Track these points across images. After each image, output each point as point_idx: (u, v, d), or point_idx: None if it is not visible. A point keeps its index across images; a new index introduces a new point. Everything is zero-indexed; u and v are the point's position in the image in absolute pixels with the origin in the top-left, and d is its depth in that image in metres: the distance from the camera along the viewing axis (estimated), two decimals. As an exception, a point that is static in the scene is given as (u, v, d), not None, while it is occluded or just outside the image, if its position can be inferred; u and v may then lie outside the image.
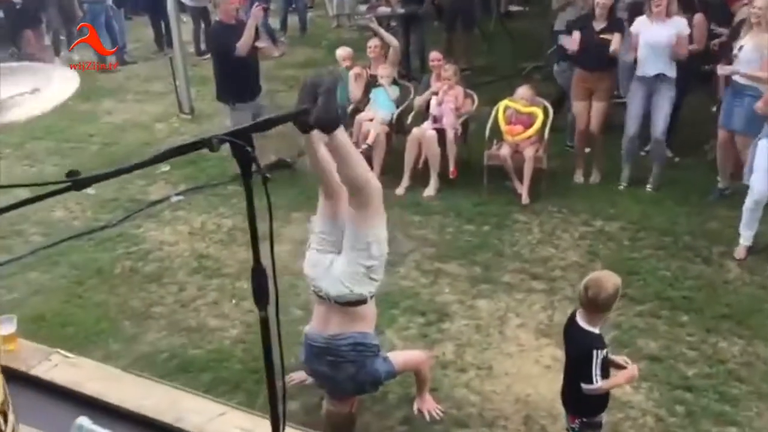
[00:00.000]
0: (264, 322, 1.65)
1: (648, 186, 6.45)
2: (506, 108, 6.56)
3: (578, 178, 6.81)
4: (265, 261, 1.70)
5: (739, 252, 5.40)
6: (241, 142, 1.42)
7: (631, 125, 6.38)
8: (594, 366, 3.15)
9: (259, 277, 1.60)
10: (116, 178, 1.56)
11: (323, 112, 3.05)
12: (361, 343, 3.66)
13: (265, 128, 1.61)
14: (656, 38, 6.03)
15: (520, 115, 6.51)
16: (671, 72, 6.12)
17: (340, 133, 3.34)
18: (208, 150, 1.42)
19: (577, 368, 3.25)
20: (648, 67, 6.15)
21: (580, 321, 3.26)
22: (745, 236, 5.40)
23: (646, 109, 6.28)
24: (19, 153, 7.94)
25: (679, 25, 6.05)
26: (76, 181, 1.28)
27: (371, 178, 3.54)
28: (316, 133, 3.30)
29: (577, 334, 3.27)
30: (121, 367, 4.38)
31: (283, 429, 1.68)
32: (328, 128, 3.16)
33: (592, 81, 6.56)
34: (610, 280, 3.22)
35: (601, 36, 6.39)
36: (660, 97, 6.18)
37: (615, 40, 6.32)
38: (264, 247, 1.65)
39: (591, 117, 6.62)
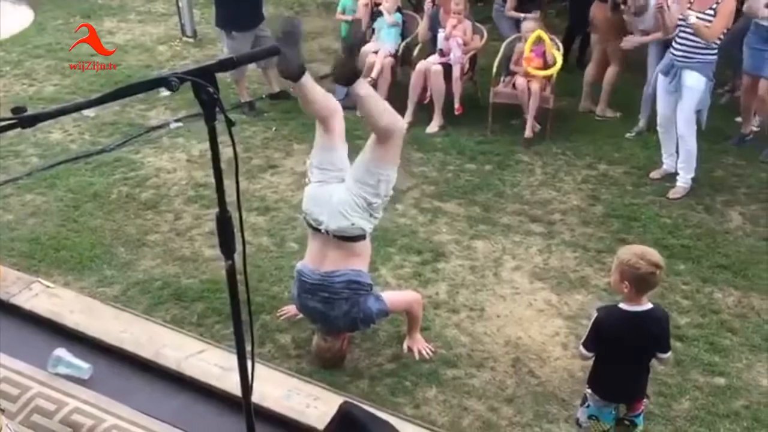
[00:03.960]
0: (230, 272, 1.58)
1: None
2: (538, 38, 6.35)
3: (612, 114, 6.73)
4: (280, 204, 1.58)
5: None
6: (203, 81, 1.33)
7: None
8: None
9: (224, 224, 1.51)
10: (109, 103, 1.46)
11: (339, 65, 3.30)
12: (355, 281, 3.67)
13: (236, 66, 1.51)
14: None
15: (538, 45, 6.33)
16: None
17: (361, 86, 3.40)
18: (167, 89, 1.33)
19: (656, 347, 3.03)
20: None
21: (634, 308, 2.95)
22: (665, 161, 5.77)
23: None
24: (18, 71, 7.80)
25: None
26: (23, 119, 1.20)
27: (398, 123, 3.65)
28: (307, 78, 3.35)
29: (644, 319, 2.95)
30: (116, 293, 4.44)
31: (253, 371, 1.64)
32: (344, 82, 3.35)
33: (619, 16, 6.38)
34: (654, 253, 2.94)
35: None
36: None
37: None
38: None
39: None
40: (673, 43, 5.33)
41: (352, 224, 3.56)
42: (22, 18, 9.36)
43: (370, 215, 3.61)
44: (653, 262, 2.85)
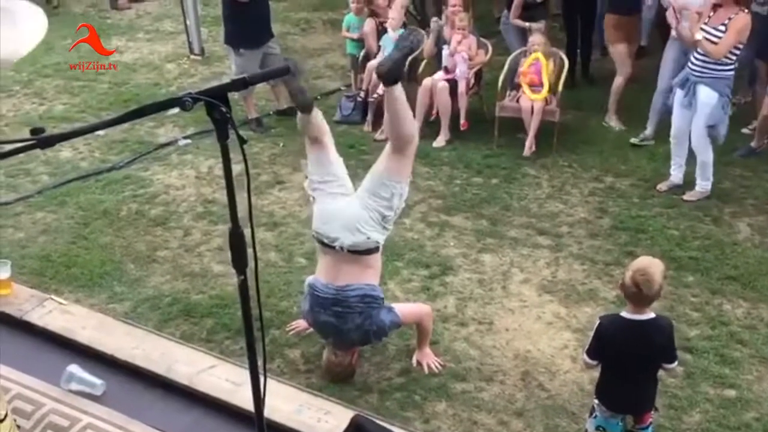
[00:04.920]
0: (243, 287, 1.59)
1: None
2: (536, 59, 6.39)
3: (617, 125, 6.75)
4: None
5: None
6: (216, 101, 1.35)
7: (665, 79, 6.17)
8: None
9: (236, 240, 1.53)
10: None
11: (391, 62, 3.47)
12: (369, 295, 3.70)
13: (247, 86, 1.53)
14: None
15: (536, 64, 6.37)
16: None
17: (398, 88, 3.53)
18: (181, 109, 1.36)
19: (661, 357, 3.03)
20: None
21: (635, 316, 2.98)
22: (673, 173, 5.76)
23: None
24: (28, 91, 7.88)
25: None
26: (41, 139, 1.23)
27: (416, 134, 3.77)
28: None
29: (645, 328, 2.97)
30: (126, 309, 4.47)
31: (265, 386, 1.66)
32: (390, 80, 3.48)
33: (627, 26, 6.47)
34: (656, 269, 2.95)
35: None
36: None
37: None
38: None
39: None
40: (691, 57, 5.34)
41: (368, 238, 3.61)
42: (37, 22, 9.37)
43: (384, 227, 3.68)
44: (635, 281, 2.89)
